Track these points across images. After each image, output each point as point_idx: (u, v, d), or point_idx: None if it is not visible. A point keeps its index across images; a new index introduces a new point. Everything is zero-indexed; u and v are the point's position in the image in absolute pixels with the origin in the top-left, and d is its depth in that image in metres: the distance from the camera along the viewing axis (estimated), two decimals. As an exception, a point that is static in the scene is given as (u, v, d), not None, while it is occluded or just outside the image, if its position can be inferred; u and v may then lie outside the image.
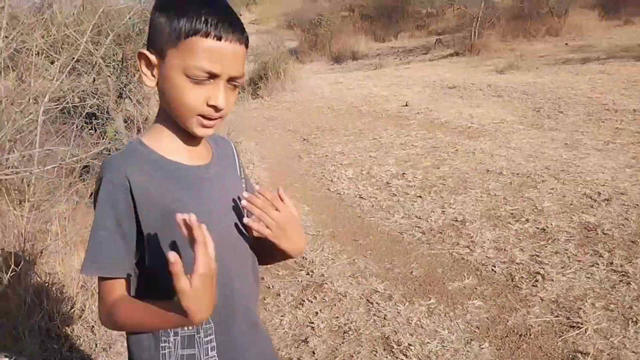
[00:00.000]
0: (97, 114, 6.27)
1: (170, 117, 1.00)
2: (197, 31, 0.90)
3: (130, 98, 7.44)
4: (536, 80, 8.38)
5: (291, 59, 14.38)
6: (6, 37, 2.39)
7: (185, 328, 0.99)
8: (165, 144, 1.01)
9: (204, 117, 0.96)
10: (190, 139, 1.02)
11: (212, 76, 0.93)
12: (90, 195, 5.87)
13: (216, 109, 0.95)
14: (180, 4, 0.93)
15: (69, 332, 2.67)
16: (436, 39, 15.72)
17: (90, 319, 2.75)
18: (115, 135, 6.75)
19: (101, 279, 0.96)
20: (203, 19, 0.90)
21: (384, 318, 2.77)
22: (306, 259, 3.51)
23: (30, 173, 2.42)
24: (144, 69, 0.98)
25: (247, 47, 1.00)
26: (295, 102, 10.58)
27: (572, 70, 8.86)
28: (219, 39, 0.91)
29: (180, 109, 0.96)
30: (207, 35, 0.91)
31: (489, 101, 7.60)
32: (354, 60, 16.18)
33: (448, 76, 10.36)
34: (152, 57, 0.95)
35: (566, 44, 11.78)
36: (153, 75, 0.97)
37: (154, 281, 0.97)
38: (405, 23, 19.47)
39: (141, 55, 0.96)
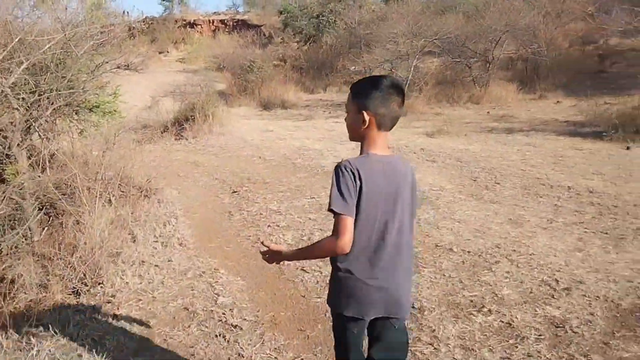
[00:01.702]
0: (-6, 149, 5.30)
1: None
2: None
3: (39, 134, 6.48)
4: (467, 148, 8.40)
5: (220, 103, 13.80)
6: None
7: None
8: None
9: None
10: None
11: None
12: None
13: None
14: None
15: None
16: (364, 96, 15.82)
17: None
18: (16, 176, 5.75)
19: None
20: None
21: None
22: (243, 356, 2.86)
23: None
24: None
25: (350, 92, 1.90)
26: (223, 148, 9.95)
27: (499, 140, 9.02)
28: None
29: None
30: None
31: (424, 165, 7.42)
32: (283, 108, 15.88)
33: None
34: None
35: (488, 112, 12.20)
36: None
37: None
38: (334, 77, 19.65)
39: None
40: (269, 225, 5.21)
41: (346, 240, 1.74)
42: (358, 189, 1.75)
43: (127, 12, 6.29)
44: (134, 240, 4.89)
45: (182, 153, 9.90)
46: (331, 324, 3.17)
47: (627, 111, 9.03)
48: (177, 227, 5.28)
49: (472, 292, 3.58)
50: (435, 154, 8.00)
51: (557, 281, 3.70)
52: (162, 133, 11.91)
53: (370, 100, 1.81)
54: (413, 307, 3.37)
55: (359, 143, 1.90)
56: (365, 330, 1.96)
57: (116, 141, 7.16)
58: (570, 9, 14.78)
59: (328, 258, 1.95)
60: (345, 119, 1.95)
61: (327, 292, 2.00)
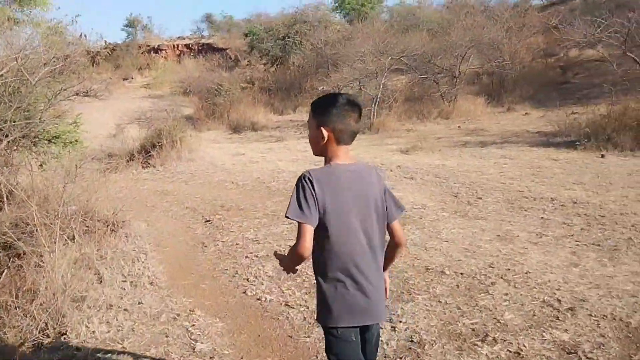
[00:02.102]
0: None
1: None
2: None
3: (-9, 168, 6.00)
4: (444, 163, 8.24)
5: (188, 127, 13.38)
6: None
7: None
8: None
9: None
10: None
11: None
12: None
13: None
14: None
15: None
16: (334, 115, 15.69)
17: None
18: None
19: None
20: None
21: None
22: (229, 413, 2.50)
23: None
24: None
25: (311, 109, 1.99)
26: (193, 174, 9.54)
27: (474, 154, 8.91)
28: None
29: None
30: None
31: (403, 183, 7.20)
32: (253, 130, 15.60)
33: (353, 154, 9.99)
34: None
35: (459, 126, 12.17)
36: None
37: None
38: (303, 98, 19.49)
39: None
40: (246, 257, 4.85)
41: (304, 245, 1.78)
42: (321, 198, 1.80)
43: (85, 35, 5.90)
44: (101, 281, 4.46)
45: (150, 182, 9.45)
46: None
47: (596, 120, 9.06)
48: (147, 264, 4.87)
49: (473, 319, 3.31)
50: (413, 171, 7.80)
51: (559, 301, 3.46)
52: (128, 162, 11.39)
53: (327, 117, 1.89)
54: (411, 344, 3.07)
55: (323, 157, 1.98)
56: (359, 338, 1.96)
57: (79, 172, 6.72)
58: (531, 23, 15.05)
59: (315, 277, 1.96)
60: (308, 135, 2.03)
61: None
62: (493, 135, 10.62)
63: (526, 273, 3.95)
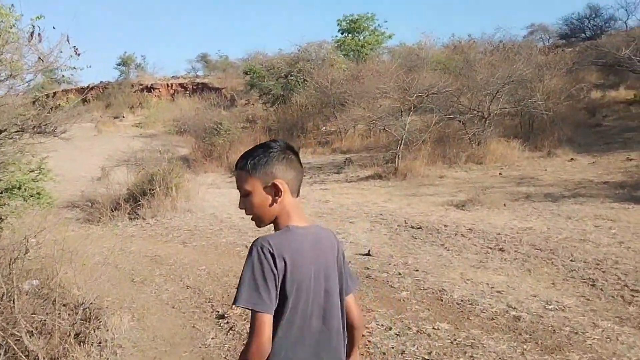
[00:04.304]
0: None
1: None
2: None
3: None
4: (529, 226, 6.01)
5: (184, 170, 11.08)
6: None
7: None
8: None
9: None
10: None
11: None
12: None
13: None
14: None
15: None
16: (345, 158, 13.65)
17: None
18: None
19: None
20: None
21: None
22: None
23: None
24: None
25: (243, 170, 1.42)
26: (193, 232, 7.22)
27: (554, 211, 6.72)
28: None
29: None
30: None
31: (495, 259, 4.95)
32: (256, 174, 13.35)
33: (393, 207, 7.78)
34: None
35: (500, 173, 10.09)
36: None
37: None
38: (307, 139, 17.46)
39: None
40: None
41: (263, 340, 1.27)
42: (281, 276, 1.32)
43: (39, 35, 3.65)
44: None
45: (139, 240, 7.09)
46: None
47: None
48: None
49: None
50: (495, 238, 5.56)
51: None
52: (112, 211, 8.98)
53: (274, 167, 1.43)
54: None
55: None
56: None
57: (46, 231, 4.45)
58: (564, 61, 13.36)
59: None
60: (241, 206, 1.47)
61: None
62: (552, 185, 8.52)
63: None
